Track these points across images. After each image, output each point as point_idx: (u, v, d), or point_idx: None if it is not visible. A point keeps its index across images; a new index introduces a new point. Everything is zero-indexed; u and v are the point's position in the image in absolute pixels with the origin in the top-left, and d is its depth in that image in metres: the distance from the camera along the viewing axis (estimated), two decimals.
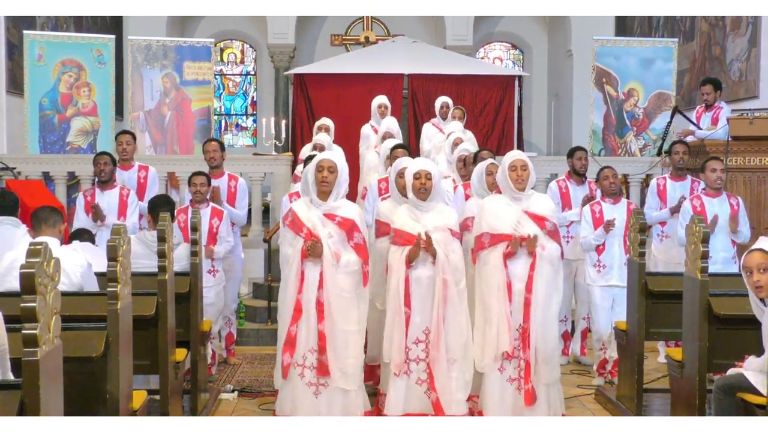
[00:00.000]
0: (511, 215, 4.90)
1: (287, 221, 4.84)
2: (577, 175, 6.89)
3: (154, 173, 7.24)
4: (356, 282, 4.78)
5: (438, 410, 4.77)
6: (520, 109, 11.09)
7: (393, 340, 4.83)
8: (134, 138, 7.31)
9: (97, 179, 6.80)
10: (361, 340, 4.84)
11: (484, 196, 5.57)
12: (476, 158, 6.26)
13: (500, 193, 5.23)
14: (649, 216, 6.77)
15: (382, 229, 5.39)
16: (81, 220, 6.58)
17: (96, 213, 6.50)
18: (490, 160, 5.76)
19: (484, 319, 4.92)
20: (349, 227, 4.79)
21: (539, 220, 4.93)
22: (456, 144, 7.11)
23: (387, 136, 7.91)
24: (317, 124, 8.45)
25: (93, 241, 5.85)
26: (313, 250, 4.66)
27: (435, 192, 4.94)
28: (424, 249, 4.80)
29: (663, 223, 6.86)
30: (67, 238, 5.82)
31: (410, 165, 5.05)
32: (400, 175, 5.28)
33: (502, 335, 4.80)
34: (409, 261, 4.81)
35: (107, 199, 6.62)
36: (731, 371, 4.21)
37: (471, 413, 5.01)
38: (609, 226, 6.12)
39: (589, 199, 6.59)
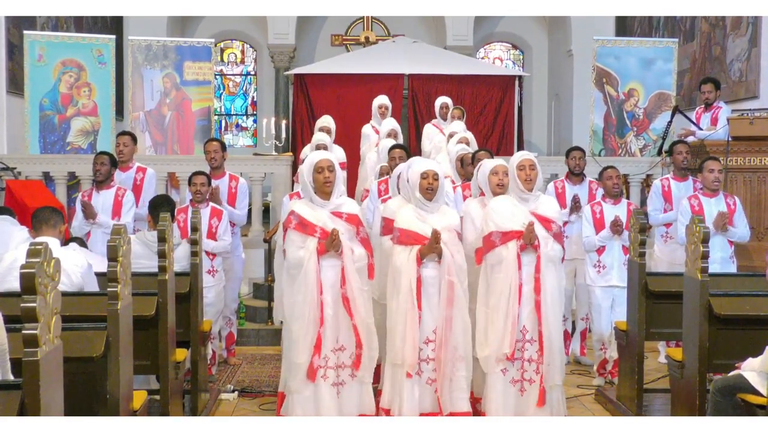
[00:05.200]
0: (519, 215, 4.89)
1: (293, 225, 4.74)
2: (574, 175, 6.90)
3: (152, 174, 7.21)
4: (364, 275, 4.80)
5: (442, 409, 4.77)
6: (520, 109, 11.09)
7: (406, 340, 4.80)
8: (134, 139, 7.27)
9: (93, 179, 6.81)
10: (375, 334, 4.85)
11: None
12: (474, 158, 6.26)
13: (482, 195, 5.23)
14: (655, 218, 6.76)
15: (389, 226, 5.34)
16: (80, 220, 6.59)
17: (87, 211, 6.49)
18: (482, 162, 5.76)
19: (487, 319, 4.90)
20: (356, 222, 4.82)
21: (546, 221, 4.92)
22: (460, 143, 7.11)
23: (392, 134, 7.91)
24: (318, 124, 8.44)
25: (85, 246, 5.86)
26: (334, 243, 4.63)
27: (440, 193, 4.94)
28: (434, 247, 4.78)
29: (667, 225, 6.84)
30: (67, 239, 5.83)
31: (417, 164, 5.01)
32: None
33: (505, 337, 4.79)
34: (421, 258, 4.79)
35: (103, 200, 6.61)
36: (731, 374, 4.21)
37: (476, 413, 5.01)
38: (616, 225, 6.12)
39: (576, 202, 6.59)
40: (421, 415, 4.79)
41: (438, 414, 4.78)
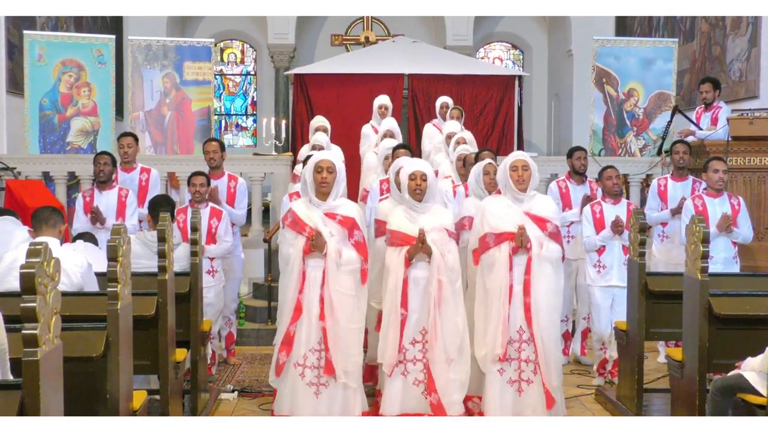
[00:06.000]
0: (513, 216, 4.89)
1: (287, 222, 4.83)
2: (577, 174, 6.90)
3: (156, 175, 7.22)
4: (356, 280, 4.80)
5: (440, 411, 4.76)
6: (520, 109, 11.09)
7: (387, 340, 4.82)
8: (136, 140, 7.29)
9: (95, 179, 6.80)
10: (362, 339, 4.87)
11: (481, 197, 5.57)
12: (477, 158, 6.26)
13: (499, 193, 5.23)
14: (650, 217, 6.76)
15: (381, 228, 5.39)
16: (81, 220, 6.57)
17: (96, 216, 6.48)
18: (488, 160, 5.76)
19: (485, 319, 4.91)
20: (350, 225, 4.81)
21: (540, 221, 4.92)
22: (459, 143, 7.11)
23: (388, 134, 7.91)
24: (313, 124, 8.43)
25: (96, 243, 5.85)
26: (317, 242, 4.66)
27: (430, 193, 4.94)
28: (420, 247, 4.79)
29: (664, 224, 6.85)
30: (68, 240, 5.82)
31: (405, 165, 5.04)
32: (399, 173, 5.28)
33: (497, 338, 4.80)
34: (409, 259, 4.81)
35: (105, 200, 6.60)
36: (731, 373, 4.21)
37: (472, 414, 5.01)
38: (617, 225, 6.11)
39: (588, 199, 6.59)
40: (407, 415, 4.79)
41: (425, 414, 4.78)
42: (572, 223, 6.72)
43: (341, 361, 4.73)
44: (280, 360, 4.75)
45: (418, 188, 4.88)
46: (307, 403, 4.72)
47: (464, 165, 6.50)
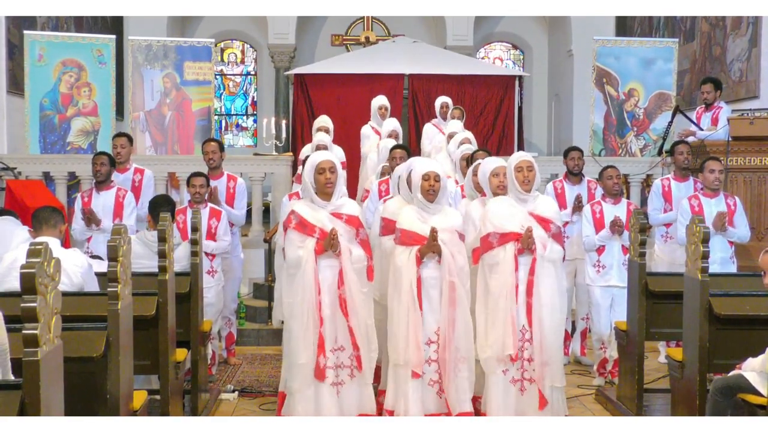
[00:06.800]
0: (518, 216, 4.88)
1: (293, 224, 4.74)
2: (572, 175, 6.91)
3: (150, 176, 7.20)
4: (364, 277, 4.79)
5: (450, 411, 4.76)
6: (520, 109, 11.10)
7: (409, 341, 4.77)
8: (130, 140, 7.26)
9: (93, 180, 6.80)
10: (375, 334, 4.84)
11: (473, 198, 5.57)
12: (472, 158, 6.24)
13: (484, 195, 5.22)
14: (655, 217, 6.76)
15: (389, 226, 5.33)
16: (81, 224, 6.56)
17: (90, 218, 6.47)
18: (478, 161, 5.75)
19: (486, 320, 4.90)
20: (356, 224, 4.81)
21: (544, 222, 4.92)
22: (463, 143, 7.10)
23: (393, 135, 7.91)
24: (316, 124, 8.44)
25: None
26: (333, 242, 4.63)
27: (441, 194, 4.92)
28: (432, 245, 4.78)
29: (668, 225, 6.84)
30: (68, 241, 5.82)
31: (418, 165, 5.00)
32: (411, 173, 5.20)
33: (507, 338, 4.78)
34: (421, 257, 4.78)
35: (103, 201, 6.58)
36: (731, 374, 4.22)
37: (477, 413, 5.00)
38: (616, 225, 6.11)
39: (579, 202, 6.59)
40: (427, 416, 4.79)
41: (442, 414, 4.77)
42: (567, 223, 6.71)
43: (365, 357, 4.74)
44: (321, 364, 4.67)
45: (431, 188, 4.84)
46: (333, 403, 4.70)
47: (468, 165, 6.49)
